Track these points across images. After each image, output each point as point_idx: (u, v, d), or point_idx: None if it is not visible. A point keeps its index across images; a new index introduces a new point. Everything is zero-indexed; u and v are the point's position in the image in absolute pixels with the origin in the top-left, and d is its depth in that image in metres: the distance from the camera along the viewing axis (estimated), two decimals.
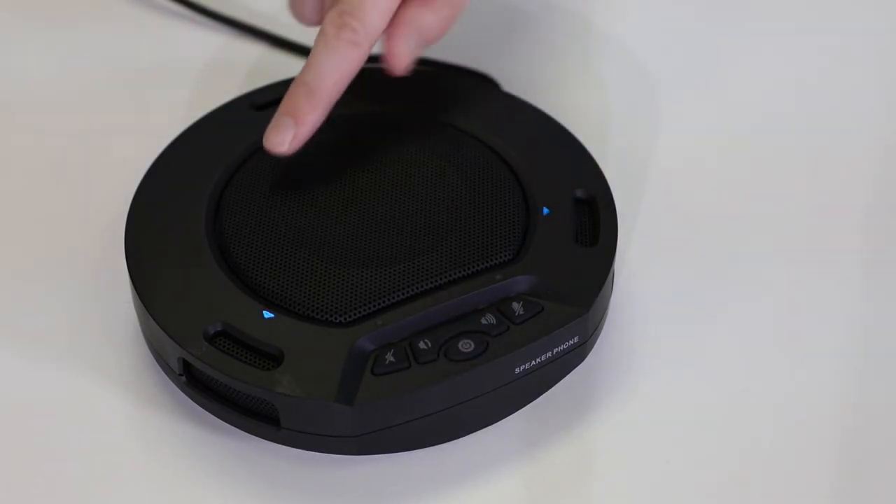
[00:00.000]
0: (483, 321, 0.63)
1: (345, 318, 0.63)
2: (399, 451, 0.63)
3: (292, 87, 0.67)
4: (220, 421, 0.64)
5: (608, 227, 0.67)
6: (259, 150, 0.70)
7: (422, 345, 0.62)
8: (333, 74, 0.66)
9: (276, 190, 0.68)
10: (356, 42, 0.65)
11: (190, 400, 0.65)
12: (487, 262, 0.65)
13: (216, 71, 0.81)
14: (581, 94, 0.79)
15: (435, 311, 0.63)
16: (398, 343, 0.62)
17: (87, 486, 0.63)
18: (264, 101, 0.73)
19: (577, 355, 0.65)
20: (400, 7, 0.68)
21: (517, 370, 0.63)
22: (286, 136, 0.66)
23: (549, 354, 0.64)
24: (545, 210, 0.67)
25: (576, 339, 0.64)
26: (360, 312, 0.63)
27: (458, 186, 0.68)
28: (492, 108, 0.73)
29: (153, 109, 0.79)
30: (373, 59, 0.81)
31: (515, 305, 0.63)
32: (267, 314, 0.63)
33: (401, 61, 0.68)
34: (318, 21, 0.70)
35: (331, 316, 0.63)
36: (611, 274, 0.66)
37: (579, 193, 0.68)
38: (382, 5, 0.66)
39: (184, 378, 0.64)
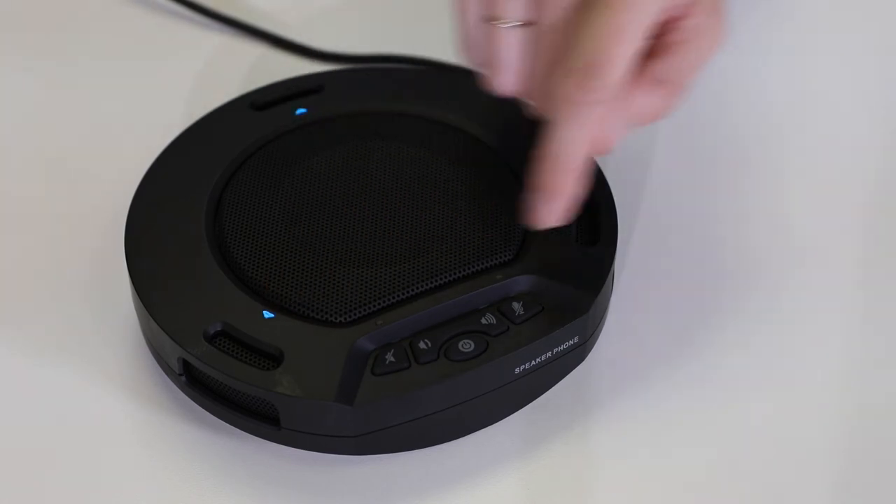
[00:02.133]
0: (483, 321, 0.63)
1: (345, 318, 0.63)
2: (399, 451, 0.63)
3: (545, 161, 0.63)
4: (220, 421, 0.64)
5: (608, 227, 0.67)
6: (259, 150, 0.70)
7: (422, 345, 0.62)
8: (577, 141, 0.62)
9: (276, 190, 0.68)
10: (594, 101, 0.61)
11: (190, 400, 0.65)
12: (487, 262, 0.65)
13: (216, 71, 0.81)
14: None
15: (435, 311, 0.63)
16: (398, 343, 0.62)
17: (87, 485, 0.63)
18: (264, 101, 0.73)
19: (576, 355, 0.65)
20: (624, 84, 0.64)
21: (517, 370, 0.63)
22: (548, 212, 0.63)
23: (548, 354, 0.64)
24: None
25: (576, 339, 0.64)
26: (360, 312, 0.63)
27: (458, 186, 0.68)
28: (492, 108, 0.73)
29: (153, 109, 0.79)
30: (373, 59, 0.81)
31: (515, 305, 0.63)
32: (267, 314, 0.63)
33: (607, 146, 0.64)
34: (524, 90, 0.66)
35: (331, 316, 0.63)
36: (611, 274, 0.66)
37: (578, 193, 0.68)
38: (621, 54, 0.61)
39: (184, 378, 0.64)
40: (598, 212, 0.68)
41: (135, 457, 0.64)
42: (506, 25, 0.64)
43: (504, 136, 0.71)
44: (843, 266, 0.71)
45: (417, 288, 0.64)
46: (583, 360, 0.66)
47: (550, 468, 0.64)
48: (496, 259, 0.65)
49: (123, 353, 0.67)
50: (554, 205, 0.63)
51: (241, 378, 0.61)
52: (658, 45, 0.63)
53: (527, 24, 0.64)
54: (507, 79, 0.65)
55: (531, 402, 0.65)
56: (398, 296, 0.63)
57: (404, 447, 0.63)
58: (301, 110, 0.72)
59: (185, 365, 0.63)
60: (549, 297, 0.64)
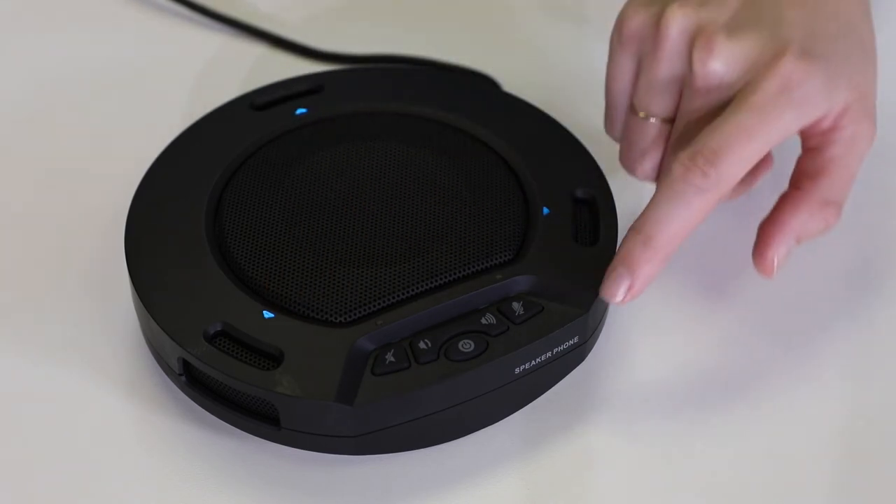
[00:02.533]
0: (483, 321, 0.63)
1: (345, 318, 0.63)
2: (399, 451, 0.63)
3: (630, 233, 0.62)
4: (220, 421, 0.64)
5: (608, 227, 0.67)
6: (259, 150, 0.70)
7: (422, 345, 0.62)
8: (673, 223, 0.61)
9: (276, 190, 0.68)
10: (704, 189, 0.60)
11: (190, 400, 0.65)
12: (487, 262, 0.65)
13: (216, 71, 0.81)
14: (581, 94, 0.79)
15: (435, 311, 0.63)
16: (398, 343, 0.62)
17: (87, 485, 0.63)
18: (264, 101, 0.73)
19: (576, 355, 0.65)
20: (787, 203, 0.65)
21: (517, 370, 0.63)
22: (621, 287, 0.62)
23: (548, 354, 0.64)
24: (545, 210, 0.67)
25: (575, 339, 0.64)
26: (360, 312, 0.63)
27: (459, 186, 0.68)
28: (492, 108, 0.73)
29: (153, 109, 0.79)
30: (373, 59, 0.81)
31: (515, 305, 0.63)
32: (267, 314, 0.63)
33: (769, 268, 0.65)
34: (655, 178, 0.67)
35: (331, 316, 0.63)
36: None
37: (579, 193, 0.68)
38: (744, 155, 0.61)
39: (184, 378, 0.64)
40: (598, 212, 0.68)
41: (135, 457, 0.64)
42: (650, 119, 0.65)
43: (503, 136, 0.70)
44: (844, 264, 0.71)
45: (417, 288, 0.64)
46: (583, 360, 0.66)
47: (550, 468, 0.64)
48: (496, 259, 0.65)
49: (123, 353, 0.67)
50: (628, 282, 0.62)
51: (241, 378, 0.61)
52: (816, 163, 0.64)
53: (669, 121, 0.65)
54: (644, 166, 0.66)
55: (531, 402, 0.65)
56: (398, 296, 0.63)
57: (404, 447, 0.63)
58: (301, 110, 0.72)
59: (185, 365, 0.63)
60: (549, 297, 0.64)
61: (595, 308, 0.64)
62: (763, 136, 0.61)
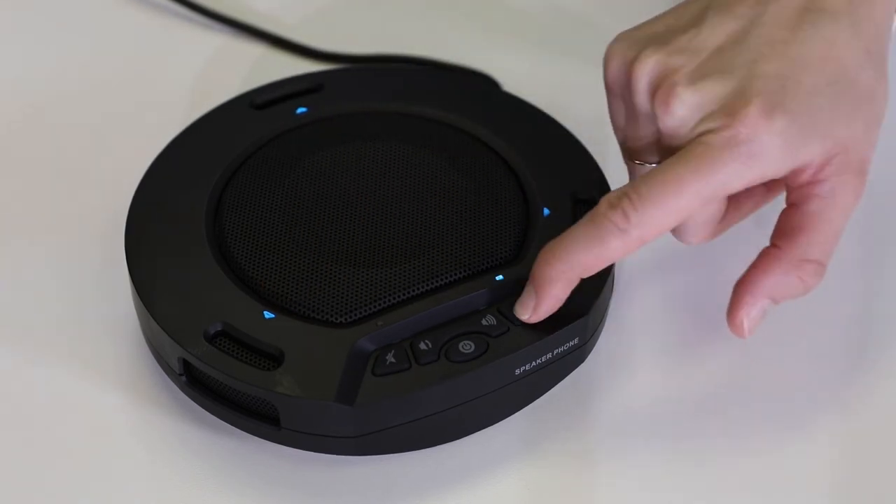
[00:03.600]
0: (483, 322, 0.63)
1: (345, 319, 0.63)
2: (399, 452, 0.63)
3: (541, 251, 0.62)
4: (220, 421, 0.64)
5: None
6: (259, 149, 0.70)
7: (422, 345, 0.62)
8: (583, 254, 0.60)
9: (276, 190, 0.68)
10: (622, 230, 0.59)
11: (190, 400, 0.65)
12: (488, 262, 0.65)
13: (216, 71, 0.81)
14: (581, 94, 0.79)
15: (435, 312, 0.63)
16: (399, 343, 0.62)
17: (87, 485, 0.63)
18: (264, 101, 0.73)
19: (576, 356, 0.65)
20: (762, 261, 0.63)
21: (517, 371, 0.63)
22: (528, 306, 0.62)
23: (549, 355, 0.64)
24: (546, 210, 0.67)
25: (575, 341, 0.64)
26: (360, 313, 0.63)
27: (459, 186, 0.68)
28: (492, 108, 0.73)
29: (153, 109, 0.79)
30: (373, 59, 0.81)
31: None
32: (267, 314, 0.63)
33: (740, 329, 0.63)
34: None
35: (331, 316, 0.63)
36: (610, 275, 0.66)
37: (580, 194, 0.68)
38: (672, 206, 0.59)
39: (184, 378, 0.64)
40: None
41: (135, 457, 0.64)
42: (646, 165, 0.64)
43: (503, 136, 0.70)
44: (844, 264, 0.71)
45: (418, 288, 0.64)
46: (583, 360, 0.66)
47: (550, 468, 0.64)
48: (496, 259, 0.65)
49: (123, 353, 0.67)
50: (533, 301, 0.62)
51: (242, 378, 0.61)
52: (794, 219, 0.62)
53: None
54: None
55: (531, 402, 0.65)
56: (399, 296, 0.63)
57: (404, 448, 0.63)
58: (301, 110, 0.72)
59: (186, 365, 0.63)
60: None
61: (595, 310, 0.64)
62: (695, 189, 0.59)
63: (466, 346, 0.62)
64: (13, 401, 0.66)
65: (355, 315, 0.63)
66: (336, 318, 0.63)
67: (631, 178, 0.66)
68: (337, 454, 0.63)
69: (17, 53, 0.82)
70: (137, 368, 0.67)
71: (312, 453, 0.63)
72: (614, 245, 0.60)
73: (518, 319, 0.63)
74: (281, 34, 0.82)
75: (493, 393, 0.63)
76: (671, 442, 0.64)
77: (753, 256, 0.71)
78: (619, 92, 0.64)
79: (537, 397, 0.65)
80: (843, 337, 0.68)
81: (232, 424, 0.64)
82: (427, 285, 0.64)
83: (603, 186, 0.69)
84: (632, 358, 0.67)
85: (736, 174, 0.59)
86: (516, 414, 0.65)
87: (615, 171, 0.71)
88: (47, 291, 0.70)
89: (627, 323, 0.68)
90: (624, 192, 0.60)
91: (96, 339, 0.68)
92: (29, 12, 0.85)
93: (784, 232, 0.63)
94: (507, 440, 0.64)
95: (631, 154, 0.65)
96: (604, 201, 0.60)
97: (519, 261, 0.65)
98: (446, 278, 0.64)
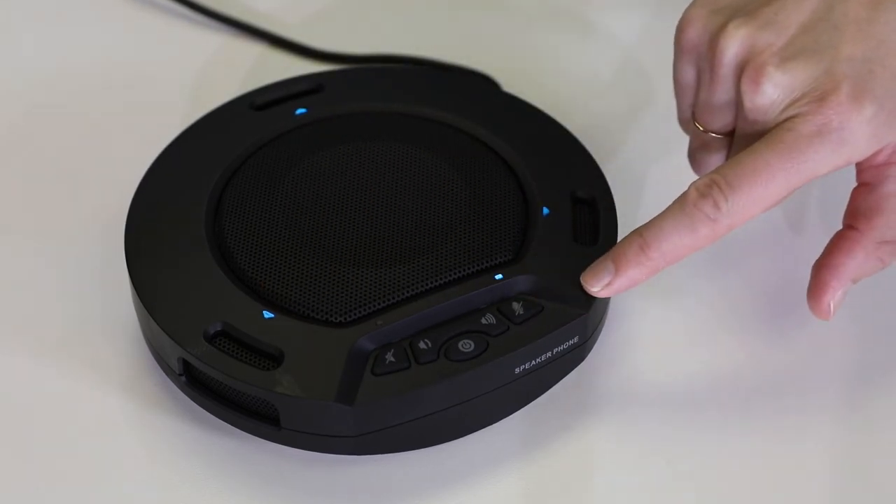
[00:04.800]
0: (483, 321, 0.63)
1: (345, 318, 0.63)
2: (399, 451, 0.63)
3: (631, 236, 0.62)
4: (220, 421, 0.64)
5: (608, 227, 0.67)
6: (259, 150, 0.70)
7: (422, 345, 0.62)
8: (673, 239, 0.60)
9: (276, 190, 0.68)
10: (713, 219, 0.60)
11: (190, 400, 0.65)
12: (487, 262, 0.65)
13: (216, 71, 0.81)
14: (581, 94, 0.79)
15: (435, 311, 0.63)
16: (398, 343, 0.62)
17: (87, 486, 0.63)
18: (264, 101, 0.73)
19: (576, 355, 0.65)
20: (843, 244, 0.63)
21: (517, 370, 0.63)
22: (602, 279, 0.62)
23: (548, 354, 0.64)
24: (545, 210, 0.67)
25: (576, 339, 0.64)
26: (360, 312, 0.63)
27: (458, 186, 0.68)
28: (492, 108, 0.73)
29: (153, 109, 0.79)
30: (373, 59, 0.81)
31: (515, 305, 0.63)
32: (267, 314, 0.63)
33: (826, 313, 0.64)
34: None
35: (331, 316, 0.63)
36: None
37: (579, 193, 0.68)
38: (762, 193, 0.60)
39: (184, 378, 0.64)
40: (597, 212, 0.68)
41: (135, 457, 0.64)
42: (709, 133, 0.65)
43: (503, 136, 0.70)
44: None
45: (417, 288, 0.64)
46: (583, 360, 0.66)
47: (550, 468, 0.64)
48: (496, 259, 0.65)
49: (123, 353, 0.67)
50: (609, 278, 0.62)
51: (241, 378, 0.61)
52: (870, 200, 0.63)
53: (726, 135, 0.64)
54: (701, 171, 0.66)
55: (531, 402, 0.65)
56: (398, 296, 0.63)
57: (404, 447, 0.63)
58: (301, 110, 0.72)
59: (185, 365, 0.63)
60: (549, 297, 0.64)
61: (595, 308, 0.64)
62: (785, 176, 0.60)
63: (466, 345, 0.62)
64: (13, 401, 0.66)
65: (355, 314, 0.63)
66: (336, 318, 0.63)
67: (692, 141, 0.66)
68: (337, 454, 0.63)
69: (18, 53, 0.82)
70: (137, 368, 0.67)
71: (312, 453, 0.63)
72: (704, 234, 0.60)
73: (518, 318, 0.63)
74: (281, 34, 0.82)
75: (492, 392, 0.63)
76: (671, 441, 0.64)
77: (754, 256, 0.72)
78: (694, 58, 0.64)
79: (537, 396, 0.65)
80: (846, 335, 0.68)
81: (232, 424, 0.64)
82: (426, 284, 0.64)
83: (602, 186, 0.69)
84: (632, 357, 0.67)
85: (825, 161, 0.60)
86: (516, 413, 0.65)
87: (615, 171, 0.71)
88: (47, 291, 0.70)
89: (627, 322, 0.68)
90: (713, 181, 0.60)
91: (96, 339, 0.68)
92: (29, 12, 0.85)
93: (860, 213, 0.63)
94: (507, 440, 0.64)
95: (696, 118, 0.65)
96: (693, 190, 0.60)
97: (518, 260, 0.65)
98: (446, 277, 0.64)
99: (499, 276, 0.64)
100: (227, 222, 0.67)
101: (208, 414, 0.64)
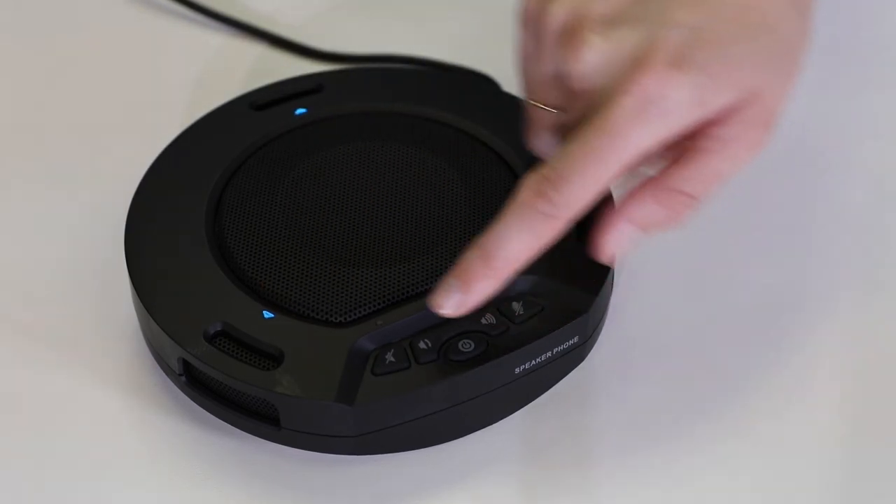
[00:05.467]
0: (483, 321, 0.63)
1: (345, 318, 0.63)
2: (399, 451, 0.63)
3: (471, 250, 0.59)
4: (220, 421, 0.64)
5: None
6: (259, 150, 0.70)
7: (422, 345, 0.62)
8: (515, 244, 0.58)
9: (276, 190, 0.68)
10: (550, 215, 0.58)
11: (190, 400, 0.65)
12: None
13: (216, 71, 0.81)
14: None
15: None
16: (398, 343, 0.62)
17: (87, 486, 0.63)
18: (264, 101, 0.73)
19: (577, 355, 0.65)
20: (636, 188, 0.60)
21: (517, 370, 0.63)
22: (450, 299, 0.60)
23: (549, 354, 0.64)
24: None
25: (576, 339, 0.64)
26: (359, 312, 0.63)
27: (458, 186, 0.68)
28: (492, 108, 0.73)
29: (153, 109, 0.79)
30: (373, 59, 0.81)
31: (515, 305, 0.63)
32: (267, 314, 0.63)
33: (604, 255, 0.61)
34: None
35: (331, 316, 0.63)
36: (611, 274, 0.66)
37: None
38: (594, 179, 0.58)
39: (184, 378, 0.64)
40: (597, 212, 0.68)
41: (134, 457, 0.64)
42: (542, 108, 0.63)
43: (503, 136, 0.70)
44: (844, 265, 0.71)
45: (417, 288, 0.64)
46: (583, 360, 0.66)
47: (550, 468, 0.64)
48: None
49: (123, 353, 0.67)
50: (458, 296, 0.60)
51: (241, 378, 0.61)
52: (680, 149, 0.60)
53: (561, 109, 0.63)
54: (538, 147, 0.65)
55: (531, 402, 0.65)
56: (398, 296, 0.63)
57: (404, 447, 0.63)
58: (301, 110, 0.72)
59: (185, 365, 0.63)
60: (549, 297, 0.64)
61: (595, 308, 0.64)
62: (615, 157, 0.58)
63: (466, 345, 0.62)
64: (13, 401, 0.66)
65: (355, 314, 0.63)
66: (336, 318, 0.63)
67: (529, 120, 0.64)
68: (337, 454, 0.63)
69: (18, 53, 0.82)
70: (137, 368, 0.67)
71: (312, 453, 0.63)
72: (544, 231, 0.58)
73: (518, 318, 0.63)
74: (281, 34, 0.82)
75: (492, 392, 0.63)
76: (671, 441, 0.64)
77: (754, 256, 0.71)
78: (532, 27, 0.62)
79: (537, 396, 0.65)
80: (844, 337, 0.68)
81: (232, 424, 0.64)
82: (426, 285, 0.64)
83: None
84: (632, 356, 0.67)
85: (650, 136, 0.58)
86: (516, 413, 0.65)
87: None
88: (47, 291, 0.70)
89: (627, 321, 0.68)
90: (544, 176, 0.58)
91: (96, 339, 0.68)
92: (29, 12, 0.85)
93: (663, 159, 0.61)
94: (507, 440, 0.64)
95: (531, 93, 0.63)
96: (525, 189, 0.58)
97: None
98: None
99: None
100: (227, 222, 0.67)
101: (208, 414, 0.64)
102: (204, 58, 0.82)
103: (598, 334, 0.67)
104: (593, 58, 0.59)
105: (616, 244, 0.61)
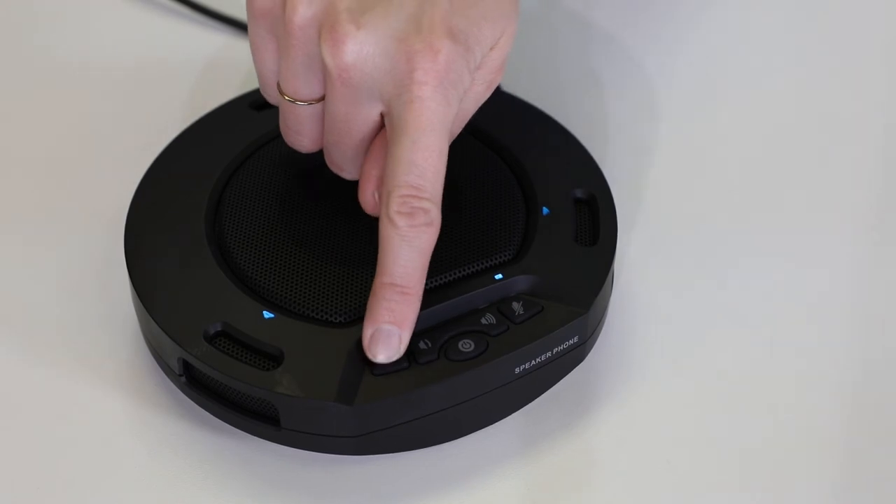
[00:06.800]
0: (483, 321, 0.63)
1: (345, 318, 0.63)
2: (399, 451, 0.63)
3: (381, 290, 0.60)
4: (220, 421, 0.64)
5: (608, 227, 0.67)
6: (259, 149, 0.70)
7: (422, 345, 0.62)
8: (417, 265, 0.60)
9: (276, 190, 0.68)
10: (430, 222, 0.60)
11: (190, 400, 0.65)
12: (487, 261, 0.65)
13: (216, 71, 0.81)
14: (581, 94, 0.79)
15: (435, 311, 0.63)
16: None
17: (86, 485, 0.63)
18: (264, 101, 0.72)
19: (576, 355, 0.65)
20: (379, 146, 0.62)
21: (517, 370, 0.63)
22: (392, 344, 0.61)
23: (548, 354, 0.64)
24: (545, 210, 0.67)
25: (575, 339, 0.64)
26: (360, 312, 0.63)
27: (459, 186, 0.68)
28: (492, 108, 0.72)
29: (153, 109, 0.79)
30: None
31: (515, 305, 0.63)
32: (267, 314, 0.63)
33: (369, 206, 0.63)
34: (317, 149, 0.65)
35: (331, 316, 0.63)
36: (610, 274, 0.66)
37: (579, 193, 0.68)
38: (440, 172, 0.60)
39: (184, 378, 0.64)
40: (597, 212, 0.68)
41: (134, 457, 0.64)
42: (298, 103, 0.63)
43: (504, 136, 0.70)
44: (844, 267, 0.71)
45: None
46: (583, 360, 0.66)
47: (550, 468, 0.64)
48: (496, 259, 0.65)
49: (123, 353, 0.67)
50: (398, 336, 0.61)
51: (241, 378, 0.61)
52: None
53: (317, 101, 0.63)
54: (301, 143, 0.65)
55: (531, 402, 0.65)
56: None
57: (404, 447, 0.63)
58: None
59: (185, 365, 0.63)
60: (549, 297, 0.64)
61: (595, 308, 0.64)
62: (445, 140, 0.60)
63: (466, 345, 0.62)
64: (13, 401, 0.66)
65: (355, 314, 0.63)
66: (335, 318, 0.63)
67: (283, 113, 0.64)
68: (337, 454, 0.63)
69: (17, 53, 0.82)
70: (137, 369, 0.67)
71: (312, 453, 0.63)
72: (433, 236, 0.60)
73: (518, 318, 0.63)
74: None
75: (492, 392, 0.63)
76: (671, 441, 0.64)
77: (754, 256, 0.72)
78: (270, 24, 0.62)
79: (537, 396, 0.65)
80: (846, 335, 0.68)
81: (232, 424, 0.64)
82: (426, 284, 0.64)
83: (603, 186, 0.69)
84: (632, 357, 0.67)
85: (455, 104, 0.61)
86: (516, 413, 0.65)
87: (614, 171, 0.71)
88: (47, 291, 0.70)
89: (627, 321, 0.68)
90: (405, 196, 0.60)
91: (96, 339, 0.68)
92: (29, 12, 0.85)
93: None
94: (507, 439, 0.64)
95: (282, 88, 0.63)
96: (397, 218, 0.60)
97: (518, 260, 0.65)
98: (445, 277, 0.64)
99: (499, 276, 0.64)
100: (227, 222, 0.67)
101: (208, 414, 0.64)
102: (204, 58, 0.82)
103: (598, 334, 0.67)
104: (361, 48, 0.59)
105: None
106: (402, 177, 0.60)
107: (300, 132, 0.64)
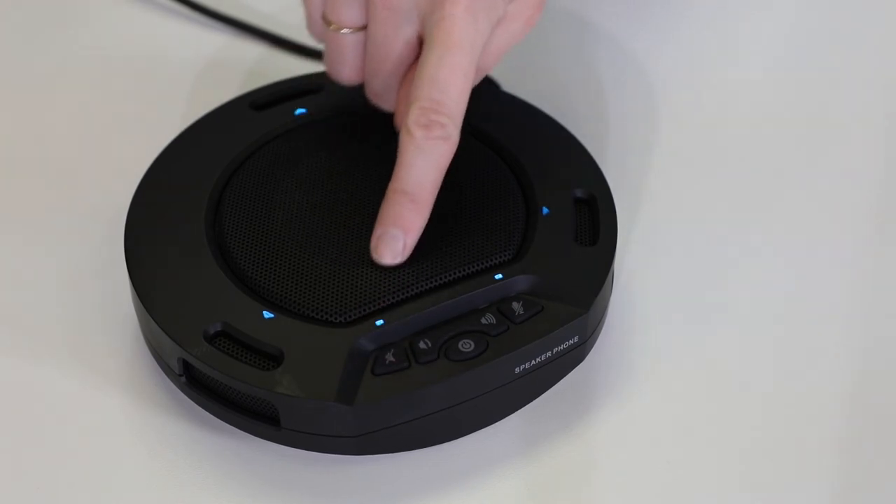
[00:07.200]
0: (483, 321, 0.63)
1: (345, 318, 0.63)
2: (399, 451, 0.63)
3: (393, 196, 0.63)
4: (220, 421, 0.64)
5: (608, 227, 0.67)
6: (259, 150, 0.70)
7: (422, 345, 0.62)
8: (430, 175, 0.63)
9: (276, 190, 0.68)
10: (447, 136, 0.63)
11: (190, 400, 0.65)
12: (487, 261, 0.65)
13: (216, 71, 0.81)
14: (581, 94, 0.79)
15: (435, 311, 0.63)
16: (398, 343, 0.62)
17: (86, 486, 0.63)
18: (264, 101, 0.73)
19: (576, 355, 0.65)
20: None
21: (517, 370, 0.63)
22: (396, 247, 0.63)
23: (548, 354, 0.64)
24: (545, 210, 0.67)
25: (575, 339, 0.64)
26: (359, 312, 0.63)
27: (458, 186, 0.68)
28: (492, 108, 0.73)
29: (153, 109, 0.79)
30: None
31: (515, 305, 0.63)
32: (267, 314, 0.63)
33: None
34: (359, 80, 0.68)
35: (331, 316, 0.63)
36: (610, 274, 0.66)
37: (579, 193, 0.68)
38: (466, 88, 0.63)
39: (184, 378, 0.64)
40: (597, 212, 0.68)
41: (134, 457, 0.64)
42: (340, 31, 0.66)
43: (504, 136, 0.70)
44: (845, 266, 0.71)
45: (417, 288, 0.64)
46: (583, 360, 0.66)
47: (550, 468, 0.64)
48: (496, 259, 0.65)
49: (123, 353, 0.67)
50: (402, 241, 0.63)
51: (241, 378, 0.61)
52: None
53: (359, 29, 0.66)
54: (344, 74, 0.68)
55: (531, 402, 0.65)
56: (398, 295, 0.63)
57: (404, 447, 0.63)
58: (301, 110, 0.72)
59: (185, 365, 0.63)
60: (549, 297, 0.64)
61: (595, 308, 0.64)
62: (472, 61, 0.63)
63: (466, 345, 0.62)
64: (13, 401, 0.66)
65: (355, 314, 0.63)
66: (335, 318, 0.63)
67: (327, 47, 0.67)
68: (337, 454, 0.63)
69: (17, 53, 0.82)
70: (137, 368, 0.67)
71: (312, 453, 0.63)
72: (448, 152, 0.63)
73: (518, 318, 0.63)
74: (281, 34, 0.82)
75: (492, 392, 0.63)
76: (671, 441, 0.64)
77: (754, 255, 0.71)
78: None
79: (537, 396, 0.65)
80: (846, 335, 0.68)
81: (232, 424, 0.64)
82: (426, 284, 0.64)
83: (603, 186, 0.69)
84: (632, 357, 0.67)
85: (486, 30, 0.63)
86: (516, 413, 0.65)
87: (615, 171, 0.71)
88: (47, 291, 0.70)
89: (627, 321, 0.68)
90: (425, 108, 0.62)
91: (96, 339, 0.68)
92: (29, 12, 0.85)
93: None
94: (507, 439, 0.64)
95: (327, 16, 0.66)
96: (414, 127, 0.62)
97: (518, 260, 0.65)
98: (445, 277, 0.64)
99: (499, 276, 0.64)
100: (227, 222, 0.67)
101: (208, 414, 0.64)
102: (204, 58, 0.82)
103: (598, 334, 0.67)
104: None
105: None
106: (425, 90, 0.62)
107: (343, 62, 0.67)
